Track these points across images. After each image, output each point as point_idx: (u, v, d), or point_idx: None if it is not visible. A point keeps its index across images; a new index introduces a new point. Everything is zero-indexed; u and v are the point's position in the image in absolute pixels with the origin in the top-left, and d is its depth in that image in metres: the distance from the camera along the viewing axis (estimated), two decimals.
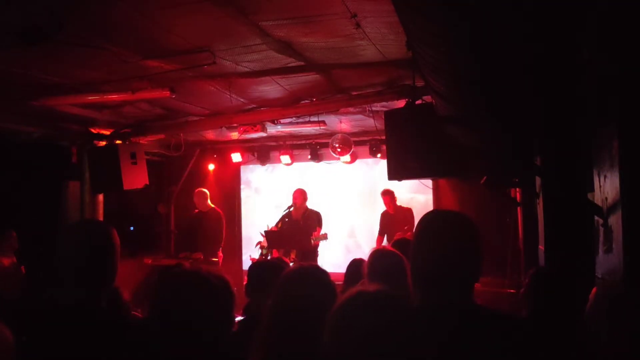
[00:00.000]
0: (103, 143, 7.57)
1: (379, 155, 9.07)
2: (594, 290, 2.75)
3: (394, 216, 8.53)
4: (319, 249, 8.43)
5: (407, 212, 8.56)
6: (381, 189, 8.71)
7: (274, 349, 2.02)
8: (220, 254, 8.57)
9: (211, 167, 10.39)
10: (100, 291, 2.18)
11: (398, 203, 8.67)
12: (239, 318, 2.90)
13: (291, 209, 8.39)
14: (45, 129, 7.01)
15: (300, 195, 8.47)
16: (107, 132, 7.61)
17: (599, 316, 2.32)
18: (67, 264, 2.20)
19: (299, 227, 8.27)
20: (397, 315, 1.57)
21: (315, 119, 7.57)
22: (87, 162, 7.46)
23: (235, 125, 7.71)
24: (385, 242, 8.54)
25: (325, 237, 8.11)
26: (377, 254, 3.27)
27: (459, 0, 1.81)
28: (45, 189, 7.35)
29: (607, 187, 2.13)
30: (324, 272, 2.26)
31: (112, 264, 2.23)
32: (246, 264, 10.18)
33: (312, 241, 8.04)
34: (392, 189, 8.60)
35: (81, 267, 2.17)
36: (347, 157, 9.20)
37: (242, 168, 10.66)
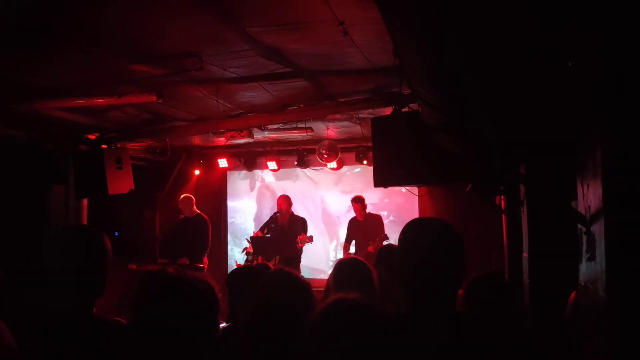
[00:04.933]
0: (88, 147, 7.51)
1: (364, 162, 9.10)
2: (572, 295, 2.78)
3: (363, 223, 8.46)
4: (302, 256, 8.45)
5: (377, 219, 8.50)
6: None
7: (253, 355, 2.01)
8: (206, 259, 8.54)
9: (197, 172, 10.35)
10: (91, 298, 2.18)
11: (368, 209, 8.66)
12: (222, 325, 2.88)
13: (277, 214, 8.40)
14: (29, 133, 6.94)
15: (284, 201, 8.49)
16: (92, 137, 7.56)
17: (581, 322, 2.34)
18: (55, 270, 2.19)
19: (285, 233, 8.29)
20: (374, 323, 1.57)
21: (302, 125, 7.58)
22: (72, 166, 7.41)
23: (222, 130, 7.70)
24: (352, 249, 8.48)
25: (310, 239, 8.12)
26: (342, 264, 3.24)
27: (448, 11, 1.83)
28: (30, 193, 7.27)
29: (590, 195, 2.15)
30: (300, 277, 2.25)
31: (100, 271, 2.22)
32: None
33: (298, 243, 8.05)
34: (363, 195, 8.62)
35: (71, 273, 2.16)
36: (334, 164, 9.21)
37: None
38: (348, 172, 10.09)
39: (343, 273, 3.13)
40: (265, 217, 9.18)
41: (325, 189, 10.44)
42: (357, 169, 9.93)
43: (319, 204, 10.45)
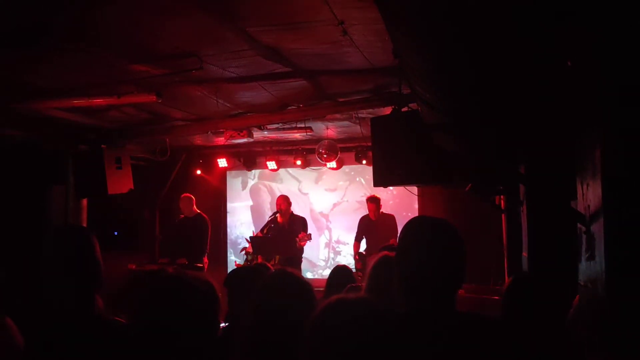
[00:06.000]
0: (88, 147, 7.50)
1: (364, 161, 9.11)
2: (577, 297, 2.79)
3: (376, 222, 8.47)
4: (303, 256, 8.46)
5: (390, 218, 8.52)
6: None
7: (253, 355, 2.01)
8: (206, 259, 8.53)
9: (197, 172, 10.35)
10: (88, 297, 2.18)
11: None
12: (222, 324, 2.88)
13: (277, 214, 8.40)
14: (29, 133, 6.95)
15: (284, 202, 8.49)
16: (92, 137, 7.56)
17: (581, 322, 2.34)
18: (50, 270, 2.19)
19: (284, 232, 8.29)
20: (375, 323, 1.57)
21: (301, 125, 7.58)
22: (72, 166, 7.40)
23: (221, 130, 7.70)
24: (363, 248, 8.49)
25: (309, 237, 8.13)
26: (382, 262, 3.17)
27: (449, 11, 1.83)
28: (30, 193, 7.27)
29: (589, 195, 2.15)
30: (300, 278, 2.24)
31: (95, 270, 2.22)
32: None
33: (298, 242, 8.05)
34: (378, 195, 8.63)
35: (64, 273, 2.16)
36: (333, 164, 9.21)
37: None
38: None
39: (379, 271, 3.06)
40: (264, 213, 9.23)
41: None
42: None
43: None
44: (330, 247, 10.38)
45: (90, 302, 2.21)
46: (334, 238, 10.34)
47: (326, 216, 10.44)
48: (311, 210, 10.42)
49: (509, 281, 3.15)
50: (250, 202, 10.91)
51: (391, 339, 1.58)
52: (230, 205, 11.02)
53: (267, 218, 8.72)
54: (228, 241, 10.94)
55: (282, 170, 10.43)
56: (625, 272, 1.87)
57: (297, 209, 9.35)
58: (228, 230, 10.95)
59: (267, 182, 10.81)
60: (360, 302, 1.64)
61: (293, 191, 10.37)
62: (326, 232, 10.47)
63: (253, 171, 10.70)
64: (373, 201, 8.45)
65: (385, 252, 3.19)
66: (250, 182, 10.95)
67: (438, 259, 1.95)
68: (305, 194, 10.55)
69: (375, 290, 2.73)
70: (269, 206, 10.52)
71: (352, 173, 10.18)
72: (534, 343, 2.72)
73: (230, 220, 10.99)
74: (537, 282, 3.24)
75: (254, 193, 10.94)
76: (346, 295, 1.72)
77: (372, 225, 8.47)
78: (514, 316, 2.99)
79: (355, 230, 8.71)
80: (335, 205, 10.38)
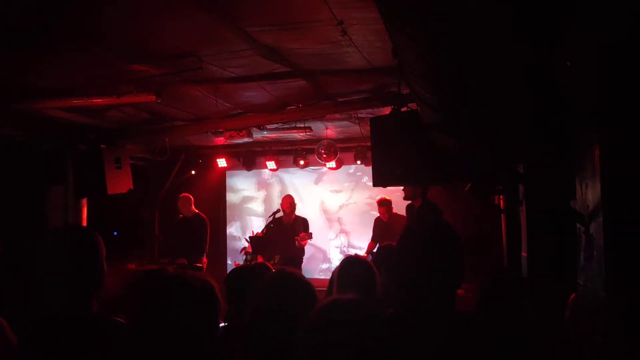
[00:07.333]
0: (88, 147, 7.50)
1: (359, 161, 9.16)
2: (572, 296, 2.79)
3: (388, 224, 8.56)
4: (304, 257, 8.47)
5: (402, 219, 8.56)
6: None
7: (252, 355, 2.02)
8: (205, 259, 8.52)
9: (196, 172, 10.35)
10: (87, 297, 2.18)
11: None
12: (222, 324, 2.89)
13: (277, 214, 8.39)
14: (29, 132, 6.94)
15: (287, 202, 8.50)
16: (92, 137, 7.55)
17: (580, 321, 2.35)
18: (50, 270, 2.19)
19: (286, 232, 8.29)
20: (370, 324, 1.57)
21: (301, 125, 7.58)
22: (71, 166, 7.40)
23: (221, 130, 7.70)
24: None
25: (310, 236, 8.15)
26: (348, 262, 3.26)
27: (449, 11, 1.83)
28: (29, 193, 7.27)
29: (589, 195, 2.16)
30: (301, 278, 2.25)
31: (98, 270, 2.23)
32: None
33: (298, 241, 8.06)
34: (388, 197, 8.67)
35: (64, 273, 2.16)
36: (333, 164, 9.23)
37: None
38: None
39: (346, 270, 3.13)
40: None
41: (313, 189, 10.57)
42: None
43: (316, 203, 10.56)
44: (344, 254, 10.39)
45: (89, 302, 2.21)
46: (345, 242, 10.38)
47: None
48: (321, 211, 10.45)
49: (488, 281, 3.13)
50: (262, 209, 10.95)
51: (387, 339, 1.58)
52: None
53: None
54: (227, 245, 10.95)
55: (285, 173, 10.42)
56: (624, 272, 1.87)
57: (304, 210, 9.40)
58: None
59: (278, 174, 10.81)
60: (354, 302, 1.64)
61: (297, 191, 10.38)
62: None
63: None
64: (383, 204, 8.58)
65: (349, 254, 3.28)
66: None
67: (437, 259, 1.95)
68: (310, 195, 10.55)
69: (343, 290, 2.78)
70: (278, 194, 10.56)
71: (359, 174, 10.18)
72: (534, 343, 2.72)
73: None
74: (514, 281, 3.24)
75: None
76: (340, 296, 1.72)
77: (385, 226, 8.61)
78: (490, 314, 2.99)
79: (362, 232, 8.84)
80: (341, 207, 10.40)
